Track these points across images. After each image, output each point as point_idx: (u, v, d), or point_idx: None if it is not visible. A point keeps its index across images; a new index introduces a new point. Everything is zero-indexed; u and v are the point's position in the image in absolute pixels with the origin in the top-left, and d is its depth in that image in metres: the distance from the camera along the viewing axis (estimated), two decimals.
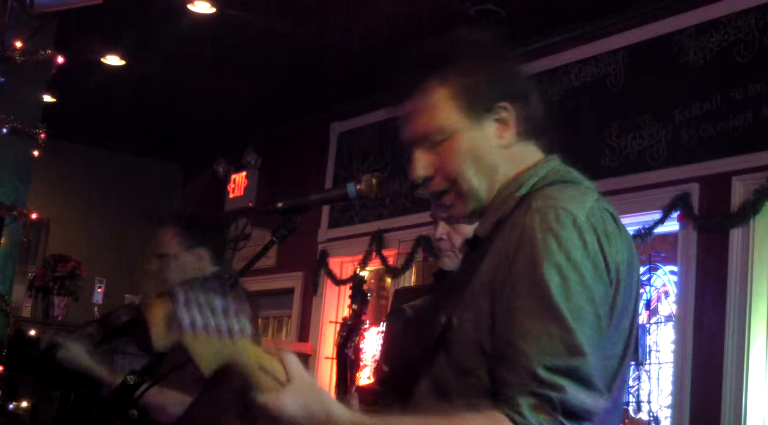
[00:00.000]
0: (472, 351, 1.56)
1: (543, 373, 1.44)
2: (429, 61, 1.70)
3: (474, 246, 1.70)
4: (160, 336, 1.44)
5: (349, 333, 5.15)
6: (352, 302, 5.61)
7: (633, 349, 1.64)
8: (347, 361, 5.10)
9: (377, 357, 5.62)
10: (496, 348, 1.52)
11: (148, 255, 3.31)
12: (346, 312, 7.07)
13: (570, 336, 1.46)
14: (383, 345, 3.61)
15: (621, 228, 1.61)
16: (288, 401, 1.50)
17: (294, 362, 1.53)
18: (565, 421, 1.44)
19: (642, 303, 5.36)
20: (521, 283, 1.51)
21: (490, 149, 1.66)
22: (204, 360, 1.47)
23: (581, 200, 1.57)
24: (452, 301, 1.62)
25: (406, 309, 2.95)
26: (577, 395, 1.45)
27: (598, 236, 1.54)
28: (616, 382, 1.59)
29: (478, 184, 1.66)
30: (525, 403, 1.44)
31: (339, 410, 1.52)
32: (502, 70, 1.70)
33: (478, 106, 1.66)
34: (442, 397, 1.59)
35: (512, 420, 1.44)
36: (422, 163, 1.69)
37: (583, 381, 1.46)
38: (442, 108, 1.66)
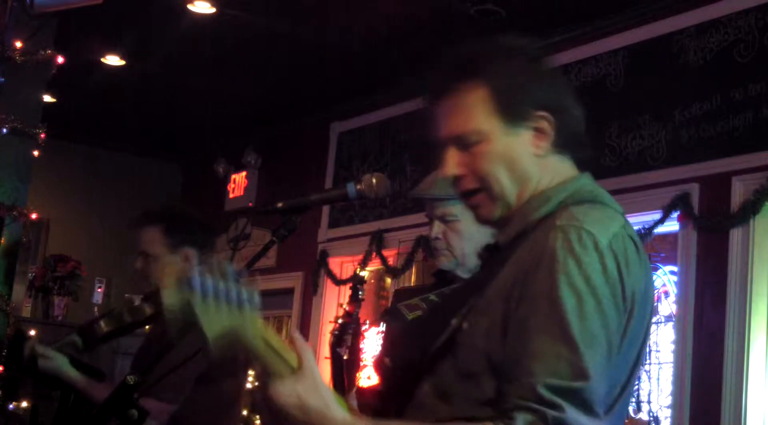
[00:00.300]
0: (477, 357, 1.56)
1: (544, 392, 1.43)
2: (471, 61, 1.67)
3: (493, 253, 1.69)
4: (169, 295, 1.44)
5: (341, 333, 5.14)
6: (350, 301, 5.62)
7: (637, 377, 1.63)
8: (341, 361, 5.09)
9: (377, 355, 5.62)
10: (504, 362, 1.51)
11: (135, 253, 3.26)
12: (340, 312, 7.08)
13: (578, 360, 1.45)
14: (383, 343, 3.60)
15: (642, 256, 1.59)
16: (287, 391, 1.51)
17: (309, 354, 1.54)
18: None
19: None
20: (537, 301, 1.49)
21: (523, 156, 1.65)
22: (209, 326, 1.47)
23: (606, 224, 1.56)
24: (466, 305, 1.60)
25: (402, 308, 2.95)
26: (576, 417, 1.44)
27: (618, 263, 1.52)
28: (615, 407, 1.58)
29: (510, 189, 1.65)
30: (521, 418, 1.43)
31: (336, 412, 1.52)
32: (544, 79, 1.67)
33: (516, 111, 1.64)
34: (442, 400, 1.59)
35: None
36: (454, 162, 1.67)
37: (584, 404, 1.45)
38: (480, 110, 1.64)
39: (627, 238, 1.57)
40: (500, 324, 1.54)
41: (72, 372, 3.19)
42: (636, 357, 1.60)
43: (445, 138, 1.69)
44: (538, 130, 1.65)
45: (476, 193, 1.67)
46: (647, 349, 1.70)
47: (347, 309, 3.20)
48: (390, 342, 3.18)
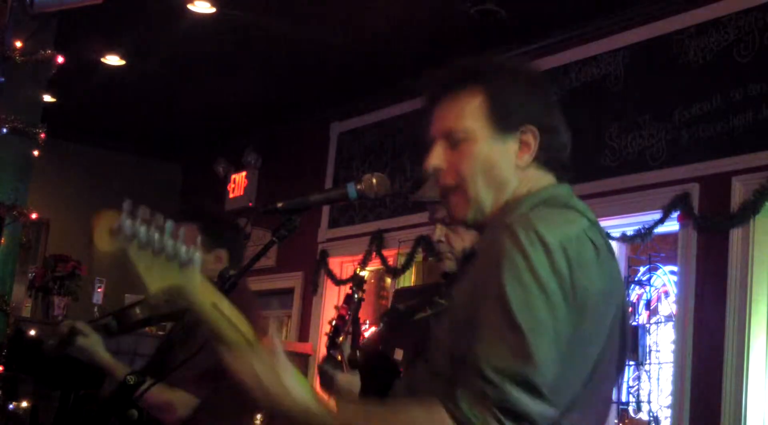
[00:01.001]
0: (442, 356, 1.63)
1: (489, 372, 1.49)
2: (474, 68, 1.75)
3: (469, 259, 1.74)
4: (102, 242, 1.45)
5: (335, 335, 5.13)
6: (344, 302, 5.61)
7: (603, 377, 1.65)
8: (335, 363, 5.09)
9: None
10: (460, 356, 1.57)
11: None
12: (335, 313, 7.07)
13: (523, 345, 1.49)
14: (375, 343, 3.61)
15: (603, 259, 1.62)
16: (246, 365, 1.56)
17: (273, 329, 1.58)
18: (504, 420, 1.48)
19: (642, 303, 5.36)
20: (487, 297, 1.55)
21: (505, 165, 1.71)
22: (149, 277, 1.49)
23: (561, 226, 1.60)
24: (441, 308, 1.66)
25: (400, 308, 2.95)
26: (519, 397, 1.48)
27: (570, 260, 1.56)
28: (579, 405, 1.59)
29: (485, 194, 1.71)
30: (464, 396, 1.49)
31: (295, 392, 1.56)
32: (538, 98, 1.75)
33: (506, 120, 1.71)
34: (412, 396, 1.63)
35: (448, 410, 1.49)
36: (438, 155, 1.74)
37: (528, 387, 1.49)
38: (473, 111, 1.72)
39: (585, 240, 1.60)
40: (463, 323, 1.59)
41: (104, 354, 3.18)
42: (598, 361, 1.62)
43: (436, 133, 1.76)
44: (524, 143, 1.71)
45: (452, 191, 1.74)
46: (613, 354, 1.70)
47: (340, 311, 3.20)
48: (377, 343, 3.20)
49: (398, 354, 2.06)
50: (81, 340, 3.18)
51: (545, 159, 1.73)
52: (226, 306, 1.56)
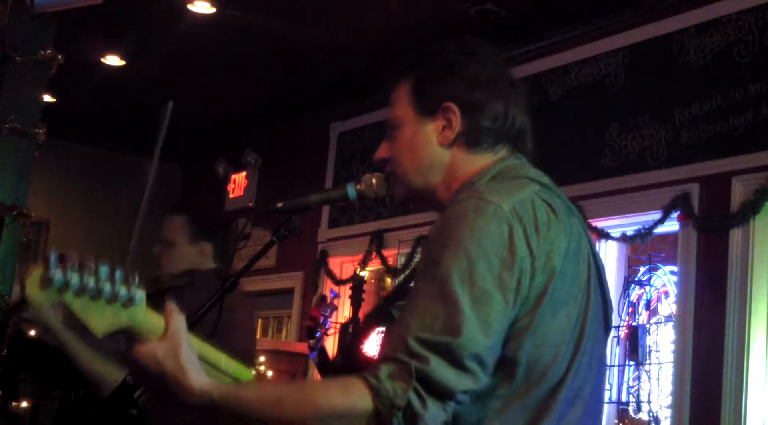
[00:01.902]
0: None
1: (413, 344, 1.48)
2: (407, 61, 1.85)
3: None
4: (35, 298, 1.43)
5: (309, 337, 5.13)
6: (315, 304, 5.61)
7: (592, 337, 1.64)
8: (325, 365, 5.09)
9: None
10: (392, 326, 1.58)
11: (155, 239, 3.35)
12: (345, 314, 7.08)
13: (452, 317, 1.48)
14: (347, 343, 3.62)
15: (561, 217, 1.63)
16: (147, 354, 1.53)
17: (177, 319, 1.55)
18: (424, 393, 1.46)
19: (642, 303, 5.36)
20: (430, 267, 1.55)
21: (429, 145, 1.76)
22: (93, 323, 1.47)
23: (511, 192, 1.62)
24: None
25: (382, 302, 2.96)
26: (440, 370, 1.47)
27: (525, 225, 1.57)
28: (571, 370, 1.60)
29: (412, 174, 1.78)
30: (385, 369, 1.47)
31: (193, 373, 1.53)
32: (460, 76, 1.77)
33: (425, 103, 1.77)
34: None
35: (368, 383, 1.46)
36: (382, 147, 1.84)
37: (452, 358, 1.47)
38: (402, 101, 1.80)
39: (538, 201, 1.62)
40: None
41: (58, 325, 3.16)
42: (579, 317, 1.62)
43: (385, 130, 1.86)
44: (447, 121, 1.76)
45: (392, 176, 1.83)
46: (598, 316, 1.71)
47: (312, 312, 3.24)
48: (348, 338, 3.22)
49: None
50: (32, 314, 3.22)
51: (487, 133, 1.75)
52: (181, 332, 1.54)
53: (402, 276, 6.50)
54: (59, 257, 1.44)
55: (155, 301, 1.56)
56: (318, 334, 5.06)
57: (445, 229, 1.57)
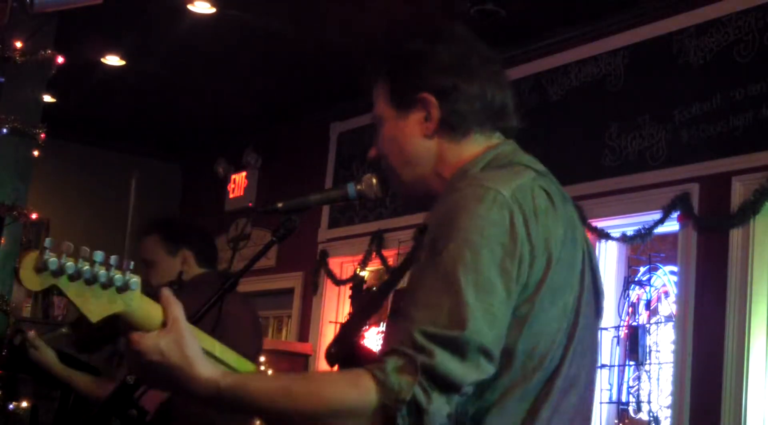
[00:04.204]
0: None
1: (419, 337, 1.47)
2: (381, 57, 1.88)
3: (422, 233, 1.74)
4: (29, 282, 1.43)
5: None
6: None
7: (585, 325, 1.64)
8: None
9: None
10: (396, 317, 1.56)
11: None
12: (346, 311, 7.08)
13: (458, 309, 1.47)
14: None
15: (557, 205, 1.63)
16: (150, 346, 1.51)
17: (177, 308, 1.54)
18: (429, 387, 1.45)
19: (642, 304, 5.36)
20: (432, 258, 1.53)
21: (412, 139, 1.77)
22: (86, 309, 1.46)
23: (510, 178, 1.61)
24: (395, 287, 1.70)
25: (372, 289, 2.96)
26: (445, 363, 1.46)
27: (524, 211, 1.56)
28: (566, 358, 1.60)
29: (401, 168, 1.79)
30: (391, 362, 1.46)
31: (199, 363, 1.51)
32: (434, 64, 1.76)
33: (401, 98, 1.78)
34: None
35: (374, 377, 1.46)
36: (374, 146, 1.86)
37: (458, 351, 1.47)
38: (381, 99, 1.83)
39: (537, 188, 1.61)
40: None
41: (58, 366, 3.30)
42: (575, 306, 1.62)
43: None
44: (427, 112, 1.75)
45: (386, 172, 1.84)
46: (591, 306, 1.71)
47: None
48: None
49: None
50: (33, 354, 3.30)
51: (470, 118, 1.73)
52: (182, 322, 1.53)
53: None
54: (53, 241, 1.44)
55: None
56: None
57: (445, 218, 1.56)
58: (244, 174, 8.35)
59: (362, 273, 6.69)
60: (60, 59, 4.48)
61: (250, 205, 8.17)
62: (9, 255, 4.39)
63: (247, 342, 3.21)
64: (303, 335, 7.41)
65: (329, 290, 7.32)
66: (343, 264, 7.27)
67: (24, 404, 5.11)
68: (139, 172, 3.52)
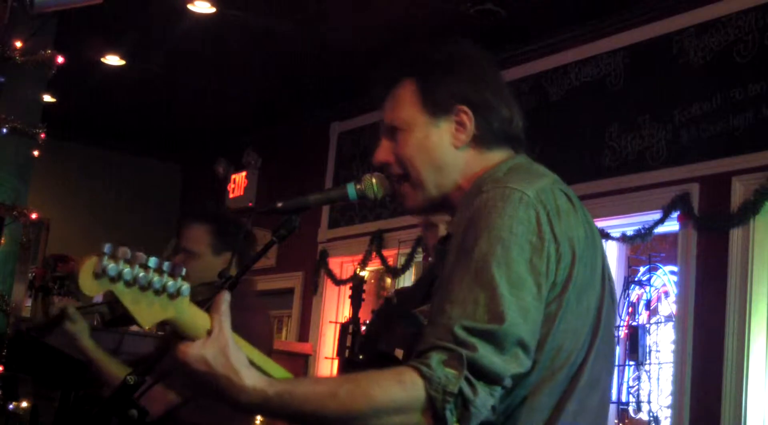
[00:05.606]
0: None
1: (460, 332, 1.49)
2: (408, 59, 1.83)
3: (445, 242, 1.76)
4: (88, 287, 1.45)
5: None
6: None
7: (607, 328, 1.67)
8: None
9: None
10: (430, 315, 1.58)
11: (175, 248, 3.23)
12: (346, 311, 7.08)
13: (495, 304, 1.50)
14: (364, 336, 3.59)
15: (577, 207, 1.67)
16: (195, 356, 1.52)
17: (219, 320, 1.54)
18: (474, 380, 1.48)
19: (642, 303, 5.36)
20: (463, 256, 1.56)
21: (442, 147, 1.75)
22: (139, 314, 1.48)
23: (532, 181, 1.65)
24: (425, 295, 1.70)
25: (392, 298, 2.95)
26: (488, 356, 1.49)
27: (548, 211, 1.60)
28: (590, 356, 1.63)
29: (427, 177, 1.76)
30: (435, 357, 1.48)
31: (246, 372, 1.52)
32: (469, 78, 1.77)
33: (436, 105, 1.75)
34: None
35: (419, 371, 1.48)
36: (383, 149, 1.81)
37: (499, 345, 1.50)
38: (407, 102, 1.78)
39: (558, 191, 1.65)
40: None
41: (88, 341, 3.17)
42: (597, 306, 1.65)
43: (382, 128, 1.83)
44: (459, 124, 1.75)
45: (402, 180, 1.79)
46: (611, 310, 1.72)
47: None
48: (365, 336, 3.19)
49: (398, 354, 2.07)
50: (68, 325, 3.17)
51: (487, 136, 1.75)
52: (227, 331, 1.54)
53: (412, 277, 6.51)
54: (111, 246, 1.46)
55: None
56: None
57: (474, 218, 1.58)
58: (244, 174, 8.35)
59: (362, 273, 6.69)
60: (60, 59, 4.48)
61: (250, 204, 8.18)
62: (9, 255, 4.39)
63: (262, 342, 3.15)
64: (303, 335, 7.41)
65: (329, 290, 7.32)
66: (343, 264, 7.28)
67: (24, 404, 5.11)
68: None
